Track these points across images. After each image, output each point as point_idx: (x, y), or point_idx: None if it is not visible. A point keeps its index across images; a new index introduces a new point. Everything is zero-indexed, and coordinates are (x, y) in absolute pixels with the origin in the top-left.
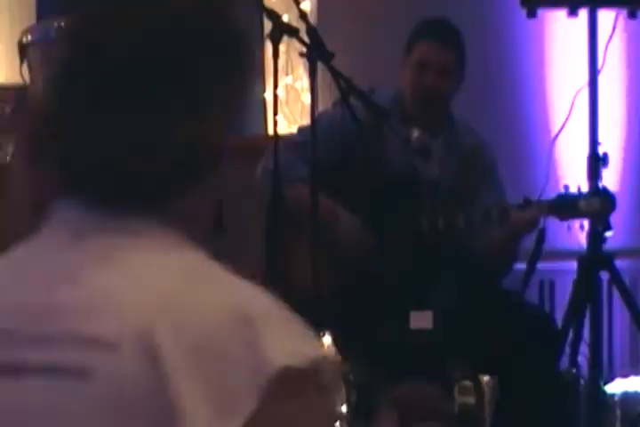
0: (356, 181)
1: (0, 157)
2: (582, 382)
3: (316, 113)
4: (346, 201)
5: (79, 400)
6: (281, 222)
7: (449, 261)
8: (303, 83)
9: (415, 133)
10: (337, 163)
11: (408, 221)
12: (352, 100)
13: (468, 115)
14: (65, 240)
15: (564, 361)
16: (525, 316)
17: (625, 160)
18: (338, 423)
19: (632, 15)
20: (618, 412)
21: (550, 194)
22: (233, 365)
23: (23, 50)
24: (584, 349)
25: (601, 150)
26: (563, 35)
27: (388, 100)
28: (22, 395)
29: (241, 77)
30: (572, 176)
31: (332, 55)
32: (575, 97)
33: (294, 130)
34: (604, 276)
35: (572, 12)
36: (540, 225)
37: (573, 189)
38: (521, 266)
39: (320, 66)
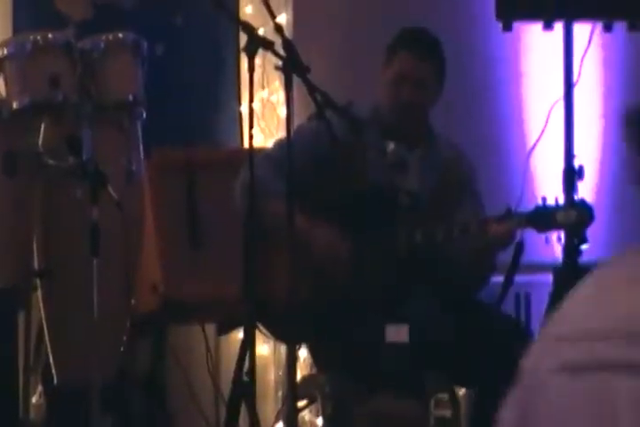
0: (334, 194)
1: None
2: None
3: (293, 127)
4: (323, 214)
5: None
6: (257, 237)
7: (425, 275)
8: (279, 96)
9: (391, 146)
10: (315, 176)
11: (385, 234)
12: (328, 113)
13: (444, 127)
14: None
15: None
16: (500, 327)
17: (600, 173)
18: None
19: (607, 28)
20: None
21: (526, 206)
22: None
23: None
24: None
25: (576, 163)
26: (538, 48)
27: (366, 113)
28: None
29: None
30: (548, 189)
31: (307, 69)
32: (551, 110)
33: (270, 143)
34: None
35: (548, 26)
36: (518, 238)
37: (551, 201)
38: (498, 279)
39: (296, 79)
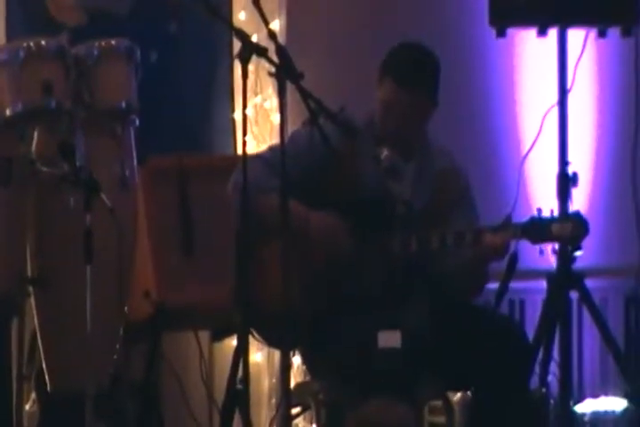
0: (328, 199)
1: None
2: (552, 401)
3: (287, 133)
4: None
5: None
6: (251, 237)
7: (419, 281)
8: (272, 102)
9: (385, 153)
10: (309, 182)
11: (379, 240)
12: (322, 119)
13: (438, 134)
14: None
15: (534, 380)
16: (495, 328)
17: (594, 179)
18: None
19: (602, 34)
20: None
21: (520, 212)
22: None
23: None
24: (554, 368)
25: (570, 170)
26: (532, 54)
27: (360, 120)
28: None
29: None
30: (542, 195)
31: (301, 75)
32: (545, 116)
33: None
34: (574, 295)
35: (542, 32)
36: (512, 248)
37: (546, 213)
38: (492, 285)
39: (289, 86)
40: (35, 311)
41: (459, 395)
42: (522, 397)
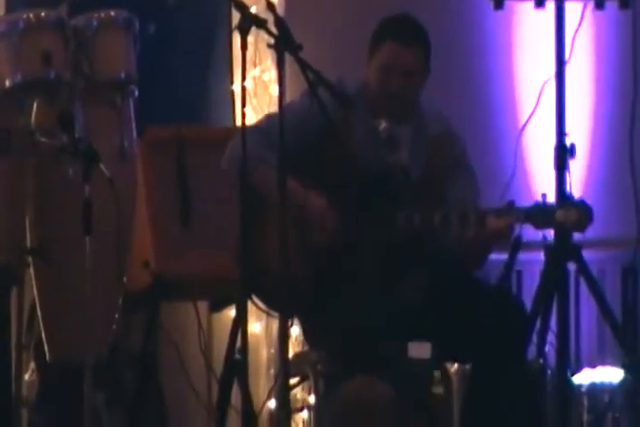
0: (326, 172)
1: None
2: (549, 372)
3: (285, 104)
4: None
5: None
6: (250, 207)
7: (419, 254)
8: (271, 74)
9: (383, 124)
10: (305, 154)
11: (381, 214)
12: (320, 90)
13: (436, 105)
14: None
15: (532, 351)
16: (494, 301)
17: (592, 150)
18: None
19: (599, 6)
20: (585, 402)
21: (517, 184)
22: None
23: None
24: (551, 339)
25: (568, 141)
26: (530, 26)
27: (354, 89)
28: None
29: None
30: (540, 166)
31: (299, 46)
32: (542, 88)
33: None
34: (572, 266)
35: (540, 4)
36: (516, 232)
37: (551, 198)
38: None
39: (288, 57)
40: (34, 281)
41: (456, 366)
42: (519, 367)
